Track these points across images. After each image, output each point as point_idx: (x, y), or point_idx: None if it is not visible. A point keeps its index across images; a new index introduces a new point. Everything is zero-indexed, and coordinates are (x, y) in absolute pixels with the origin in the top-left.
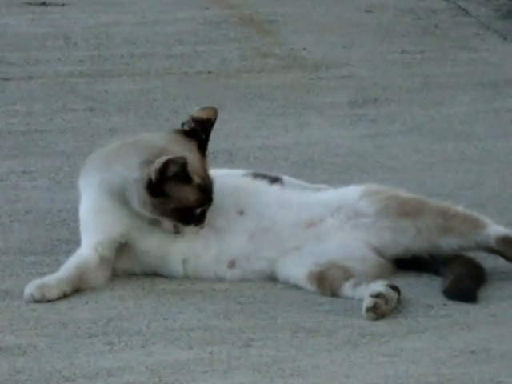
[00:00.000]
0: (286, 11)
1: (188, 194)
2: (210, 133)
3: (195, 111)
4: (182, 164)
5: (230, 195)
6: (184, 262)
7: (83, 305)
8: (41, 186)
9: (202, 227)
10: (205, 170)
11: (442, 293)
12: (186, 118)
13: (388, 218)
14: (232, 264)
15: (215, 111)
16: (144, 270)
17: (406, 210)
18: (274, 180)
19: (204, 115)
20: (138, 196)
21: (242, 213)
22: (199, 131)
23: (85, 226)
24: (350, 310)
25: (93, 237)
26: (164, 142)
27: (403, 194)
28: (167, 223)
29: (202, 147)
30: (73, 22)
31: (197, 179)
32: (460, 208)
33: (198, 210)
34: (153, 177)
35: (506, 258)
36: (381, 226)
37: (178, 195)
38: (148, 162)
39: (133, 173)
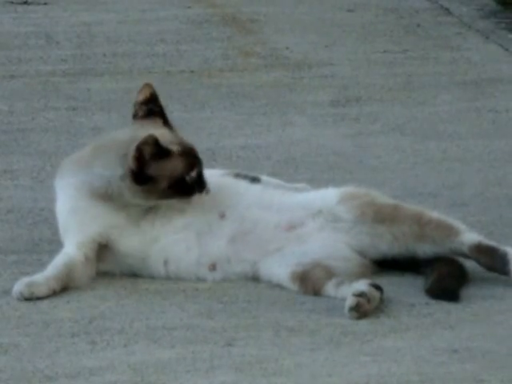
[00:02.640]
0: (269, 10)
1: (174, 165)
2: (161, 105)
3: (136, 97)
4: (154, 141)
5: (212, 197)
6: (165, 263)
7: (65, 304)
8: (23, 185)
9: (207, 191)
10: (180, 138)
11: (424, 292)
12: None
13: (365, 224)
14: (213, 267)
15: (150, 85)
16: (125, 272)
17: (382, 217)
18: (253, 180)
19: (146, 94)
20: (129, 191)
21: (223, 216)
22: (153, 109)
23: (64, 228)
24: (333, 309)
25: (74, 237)
26: (131, 132)
27: (380, 198)
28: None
29: (166, 121)
30: (55, 20)
31: (175, 147)
32: (435, 214)
33: (193, 174)
34: (133, 166)
35: (480, 264)
36: (359, 230)
37: (164, 172)
38: (125, 156)
39: (115, 171)
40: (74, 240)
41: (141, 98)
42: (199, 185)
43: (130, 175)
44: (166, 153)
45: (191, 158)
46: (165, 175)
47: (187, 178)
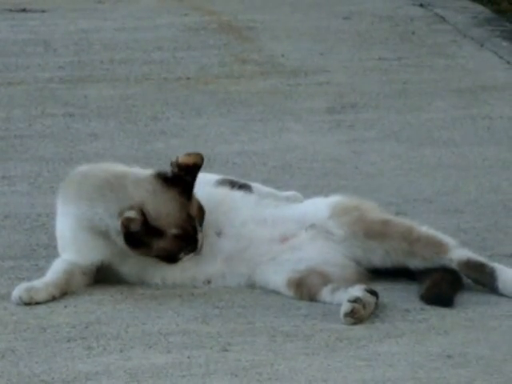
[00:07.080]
0: (265, 18)
1: (166, 245)
2: (195, 178)
3: (180, 156)
4: (140, 221)
5: (209, 213)
6: (162, 280)
7: (62, 309)
8: (20, 191)
9: (196, 253)
10: (186, 217)
11: (419, 298)
12: (172, 159)
13: (356, 239)
14: (208, 282)
15: (201, 157)
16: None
17: (372, 234)
18: (244, 187)
19: (189, 161)
20: (122, 244)
21: (220, 234)
22: (183, 177)
23: (63, 249)
24: (328, 314)
25: (73, 259)
26: (143, 192)
27: (370, 212)
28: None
29: (187, 192)
30: (53, 28)
31: (173, 230)
32: (424, 230)
33: (182, 254)
34: (123, 232)
35: (469, 279)
36: (351, 244)
37: (156, 246)
38: (123, 214)
39: (114, 222)
40: (74, 260)
41: (183, 161)
42: (190, 250)
43: (122, 235)
44: (159, 232)
45: (187, 242)
46: (156, 249)
47: (179, 256)
